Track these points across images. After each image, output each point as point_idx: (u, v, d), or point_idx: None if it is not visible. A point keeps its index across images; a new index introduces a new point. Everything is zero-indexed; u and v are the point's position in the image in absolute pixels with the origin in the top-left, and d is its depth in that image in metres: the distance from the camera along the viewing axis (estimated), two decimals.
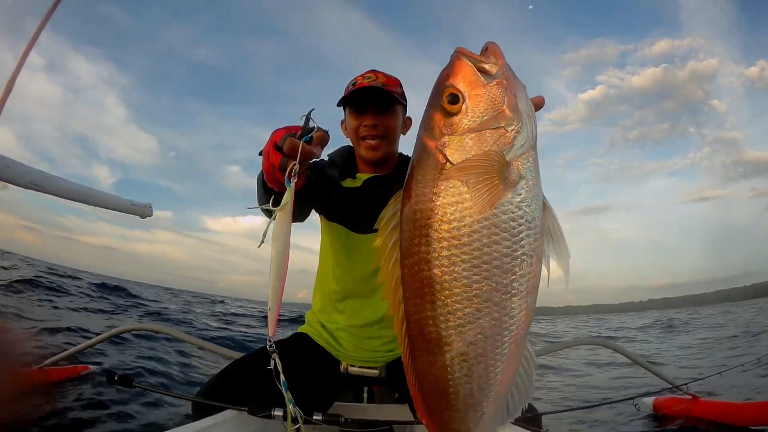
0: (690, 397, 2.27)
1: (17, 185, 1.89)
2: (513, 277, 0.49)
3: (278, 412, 0.86)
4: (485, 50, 0.53)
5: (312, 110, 0.73)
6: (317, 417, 0.86)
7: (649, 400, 2.58)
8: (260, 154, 0.78)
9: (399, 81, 1.22)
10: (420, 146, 0.53)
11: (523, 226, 0.49)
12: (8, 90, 1.89)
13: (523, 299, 0.50)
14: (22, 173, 1.92)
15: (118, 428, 2.23)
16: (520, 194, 0.49)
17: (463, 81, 0.51)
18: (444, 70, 0.53)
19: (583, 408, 2.63)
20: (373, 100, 1.16)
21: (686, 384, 2.20)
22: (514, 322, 0.50)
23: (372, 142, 1.17)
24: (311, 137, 0.71)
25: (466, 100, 0.50)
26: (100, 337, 2.46)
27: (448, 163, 0.50)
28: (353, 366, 1.24)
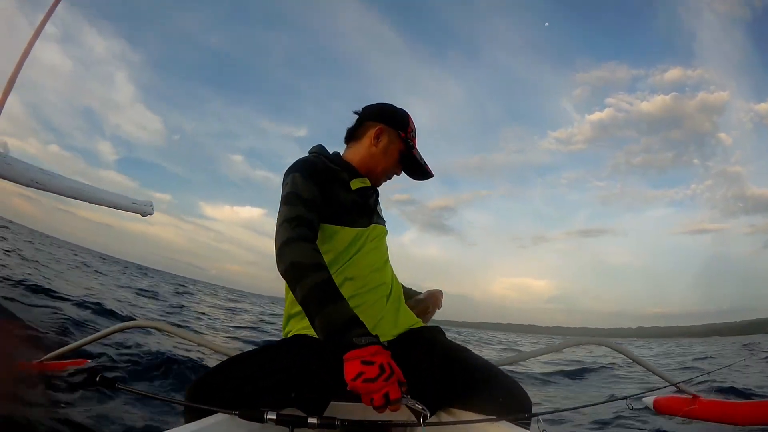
0: (690, 396, 2.27)
1: (18, 183, 1.90)
2: None
3: (271, 416, 0.84)
4: None
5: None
6: (312, 420, 0.84)
7: (650, 400, 2.57)
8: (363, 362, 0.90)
9: None
10: None
11: None
12: (21, 62, 1.87)
13: None
14: (23, 171, 1.94)
15: (105, 430, 2.22)
16: None
17: None
18: None
19: (580, 407, 2.63)
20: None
21: (684, 382, 2.19)
22: None
23: (389, 179, 1.47)
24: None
25: None
26: (102, 332, 2.47)
27: None
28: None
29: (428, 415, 0.88)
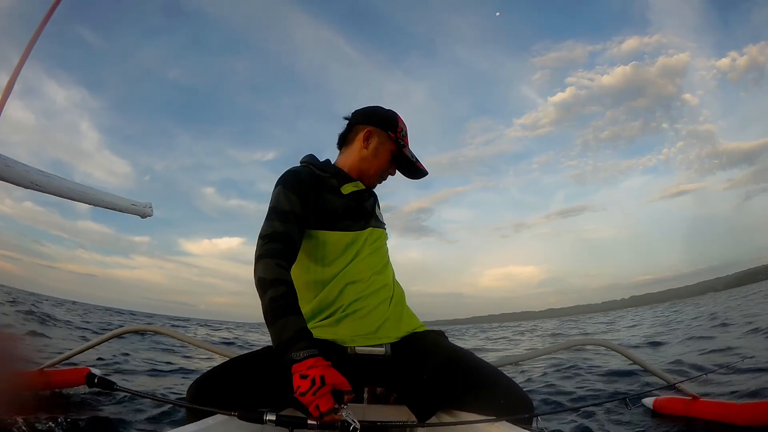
0: (690, 397, 2.27)
1: (18, 185, 1.89)
2: None
3: (270, 417, 0.84)
4: None
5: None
6: (311, 422, 0.84)
7: (649, 400, 2.57)
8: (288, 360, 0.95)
9: None
10: None
11: None
12: (8, 91, 1.89)
13: None
14: (23, 173, 1.93)
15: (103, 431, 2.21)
16: None
17: None
18: None
19: (580, 407, 2.63)
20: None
21: (683, 381, 2.19)
22: None
23: (383, 180, 1.47)
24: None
25: None
26: (100, 338, 2.48)
27: None
28: (360, 346, 1.22)
29: (358, 429, 0.85)
